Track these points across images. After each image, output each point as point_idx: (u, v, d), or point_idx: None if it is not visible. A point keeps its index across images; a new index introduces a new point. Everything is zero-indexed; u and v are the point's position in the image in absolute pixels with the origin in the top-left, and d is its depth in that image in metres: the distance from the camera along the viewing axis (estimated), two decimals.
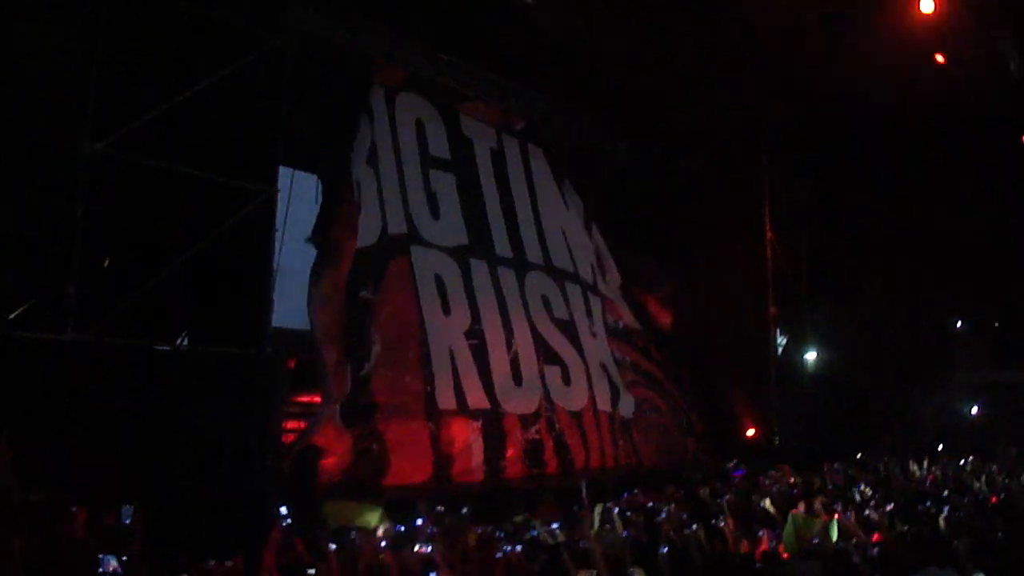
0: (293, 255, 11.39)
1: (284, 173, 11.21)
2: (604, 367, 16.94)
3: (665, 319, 18.94)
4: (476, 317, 14.54)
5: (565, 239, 17.16)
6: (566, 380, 15.85)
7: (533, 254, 16.31)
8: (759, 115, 18.68)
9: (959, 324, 22.48)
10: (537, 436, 14.86)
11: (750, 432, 19.14)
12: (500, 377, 14.55)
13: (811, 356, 20.44)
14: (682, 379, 18.92)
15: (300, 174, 12.09)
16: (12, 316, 8.47)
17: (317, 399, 12.96)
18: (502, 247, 15.68)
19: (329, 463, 11.76)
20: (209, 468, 8.82)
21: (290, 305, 11.63)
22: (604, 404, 16.53)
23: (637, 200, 19.56)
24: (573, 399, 15.81)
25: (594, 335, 17.00)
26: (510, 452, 14.38)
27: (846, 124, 18.55)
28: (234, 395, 9.53)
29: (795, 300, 20.12)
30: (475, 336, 14.42)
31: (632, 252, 18.72)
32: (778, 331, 19.79)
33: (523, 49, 15.36)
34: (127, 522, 7.07)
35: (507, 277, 15.51)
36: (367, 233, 13.25)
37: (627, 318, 18.21)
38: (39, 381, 8.17)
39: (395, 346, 13.22)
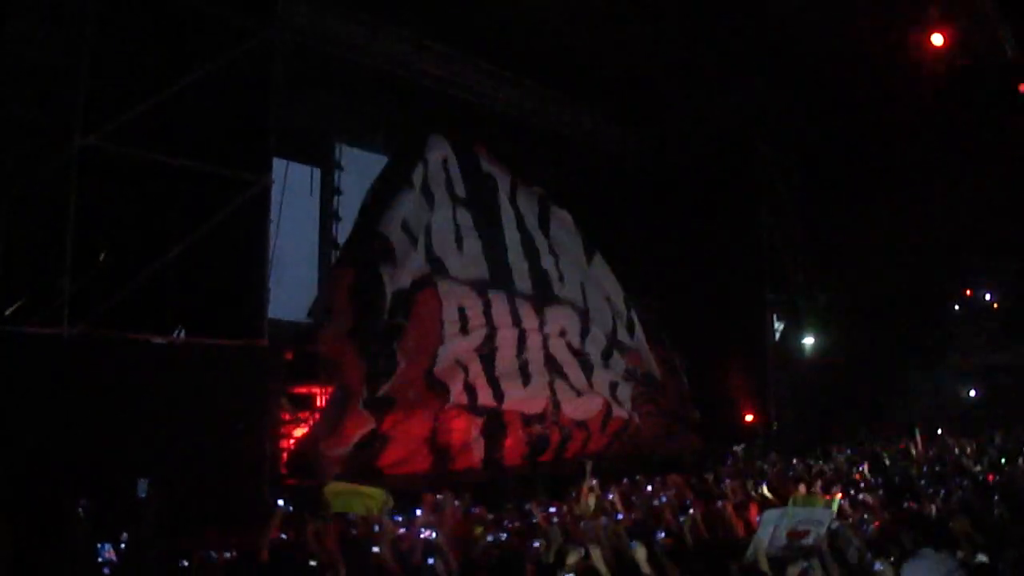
0: (289, 246, 11.40)
1: (279, 164, 11.20)
2: (613, 386, 16.91)
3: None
4: (492, 336, 14.81)
5: (583, 291, 17.15)
6: (575, 392, 15.86)
7: (553, 296, 16.51)
8: (755, 101, 18.63)
9: (956, 308, 22.51)
10: (540, 431, 14.98)
11: (748, 417, 19.18)
12: (507, 377, 14.68)
13: (809, 341, 20.46)
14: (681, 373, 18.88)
15: (295, 165, 12.09)
16: (7, 311, 8.47)
17: (315, 390, 13.03)
18: (522, 284, 15.93)
19: (330, 454, 11.84)
20: (206, 459, 8.83)
21: (286, 296, 11.66)
22: (613, 413, 16.54)
23: (634, 186, 19.56)
24: (579, 410, 15.83)
25: (607, 367, 16.97)
26: (510, 442, 14.47)
27: (842, 108, 18.50)
28: (231, 387, 9.54)
29: (793, 286, 20.13)
30: (487, 347, 14.66)
31: (627, 249, 18.77)
32: (775, 317, 19.79)
33: (517, 37, 15.32)
34: (143, 496, 7.11)
35: (526, 307, 15.71)
36: (399, 281, 13.72)
37: (648, 366, 18.03)
38: (34, 375, 8.17)
39: (414, 361, 13.56)
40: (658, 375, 18.03)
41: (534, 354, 15.42)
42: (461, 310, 14.52)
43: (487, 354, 14.62)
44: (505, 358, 14.88)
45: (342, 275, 13.87)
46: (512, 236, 16.15)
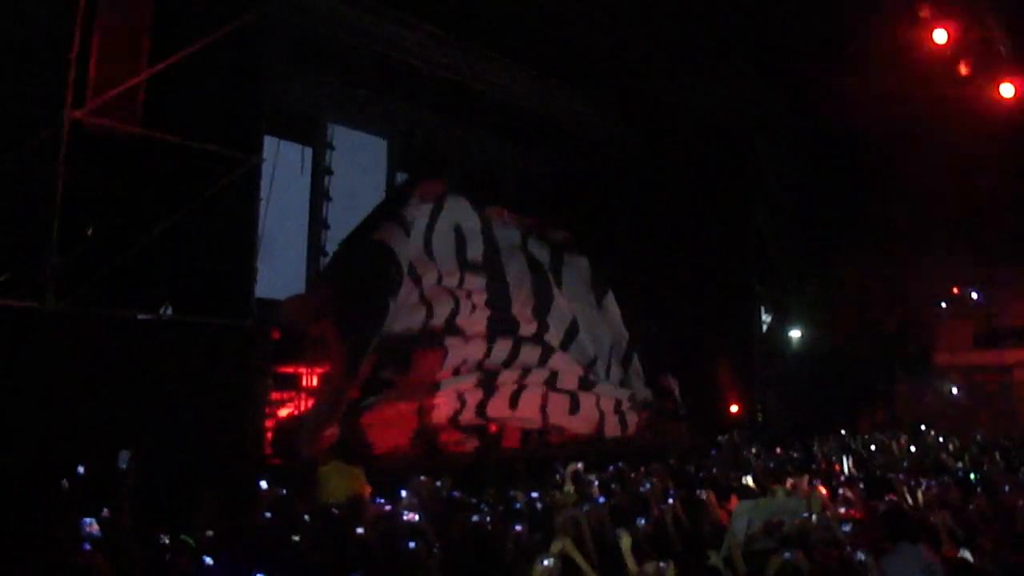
0: (278, 225, 11.33)
1: (269, 142, 11.13)
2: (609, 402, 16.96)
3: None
4: (494, 373, 14.83)
5: (589, 335, 17.13)
6: (572, 409, 15.89)
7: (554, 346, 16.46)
8: (749, 94, 18.64)
9: (943, 305, 22.66)
10: (537, 441, 15.07)
11: (734, 408, 19.27)
12: (505, 398, 14.76)
13: (795, 334, 20.55)
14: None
15: (286, 143, 12.02)
16: None
17: (302, 370, 13.03)
18: (528, 333, 15.90)
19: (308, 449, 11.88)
20: (189, 438, 8.81)
21: (274, 275, 11.60)
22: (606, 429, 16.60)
23: (626, 175, 19.58)
24: (574, 425, 15.86)
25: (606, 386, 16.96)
26: (505, 445, 14.58)
27: (832, 102, 18.52)
28: (217, 366, 9.51)
29: (781, 278, 20.21)
30: (487, 381, 14.68)
31: (615, 238, 18.76)
32: (763, 309, 19.87)
33: (512, 22, 15.26)
34: (123, 466, 7.10)
35: (528, 347, 15.71)
36: (393, 324, 13.52)
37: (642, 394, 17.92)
38: (17, 350, 8.12)
39: (406, 394, 13.59)
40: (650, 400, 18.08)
41: (534, 377, 15.40)
42: (475, 362, 14.65)
43: (486, 383, 14.65)
44: (505, 383, 14.88)
45: (330, 287, 13.69)
46: (520, 294, 15.98)
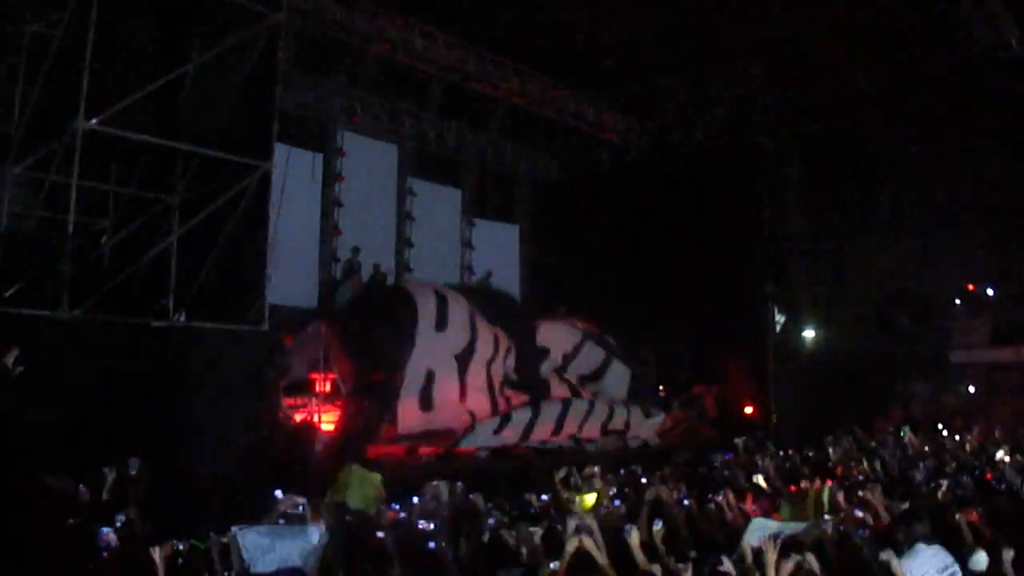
0: (289, 232, 11.35)
1: (280, 149, 11.14)
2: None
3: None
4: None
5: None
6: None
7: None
8: (755, 92, 18.57)
9: (957, 302, 22.44)
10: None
11: (748, 410, 19.17)
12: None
13: (810, 334, 20.43)
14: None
15: (296, 151, 12.04)
16: (8, 293, 8.48)
17: (314, 376, 13.05)
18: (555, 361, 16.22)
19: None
20: (204, 444, 8.85)
21: (286, 282, 11.62)
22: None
23: (635, 177, 19.54)
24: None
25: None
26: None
27: (842, 100, 18.40)
28: (230, 371, 9.55)
29: (794, 278, 20.10)
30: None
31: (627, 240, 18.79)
32: (776, 309, 19.75)
33: (519, 26, 15.27)
34: (133, 473, 7.13)
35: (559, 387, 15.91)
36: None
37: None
38: (34, 357, 8.16)
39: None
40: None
41: (568, 426, 15.40)
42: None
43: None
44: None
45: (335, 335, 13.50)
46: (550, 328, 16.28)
